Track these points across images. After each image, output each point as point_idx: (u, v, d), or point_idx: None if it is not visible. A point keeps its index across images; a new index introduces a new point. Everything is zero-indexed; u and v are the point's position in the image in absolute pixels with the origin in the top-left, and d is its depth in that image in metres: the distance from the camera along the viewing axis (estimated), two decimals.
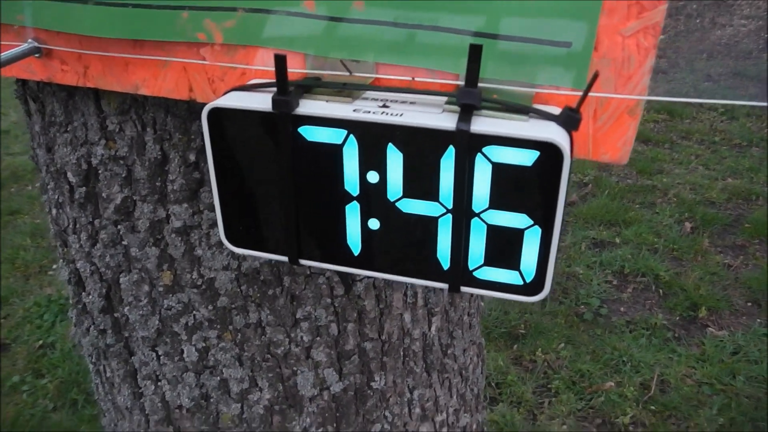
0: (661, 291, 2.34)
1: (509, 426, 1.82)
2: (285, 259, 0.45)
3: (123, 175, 0.62)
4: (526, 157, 0.35)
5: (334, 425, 0.75)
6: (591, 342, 2.12)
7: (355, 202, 0.40)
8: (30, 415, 2.20)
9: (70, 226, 0.68)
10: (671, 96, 0.42)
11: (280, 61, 0.36)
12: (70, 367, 2.34)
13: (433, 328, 0.79)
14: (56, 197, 0.69)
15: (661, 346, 2.08)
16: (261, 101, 0.40)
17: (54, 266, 3.13)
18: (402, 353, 0.76)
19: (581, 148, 0.40)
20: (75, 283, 0.73)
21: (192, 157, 0.59)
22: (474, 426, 0.95)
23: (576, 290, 2.35)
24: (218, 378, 0.70)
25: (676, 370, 1.97)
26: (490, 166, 0.35)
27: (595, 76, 0.34)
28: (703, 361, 2.00)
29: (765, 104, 0.36)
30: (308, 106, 0.39)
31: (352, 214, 0.40)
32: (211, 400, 0.72)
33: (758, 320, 2.18)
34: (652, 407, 1.86)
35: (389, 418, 0.78)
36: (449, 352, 0.83)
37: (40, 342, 2.60)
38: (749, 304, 2.27)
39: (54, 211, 0.71)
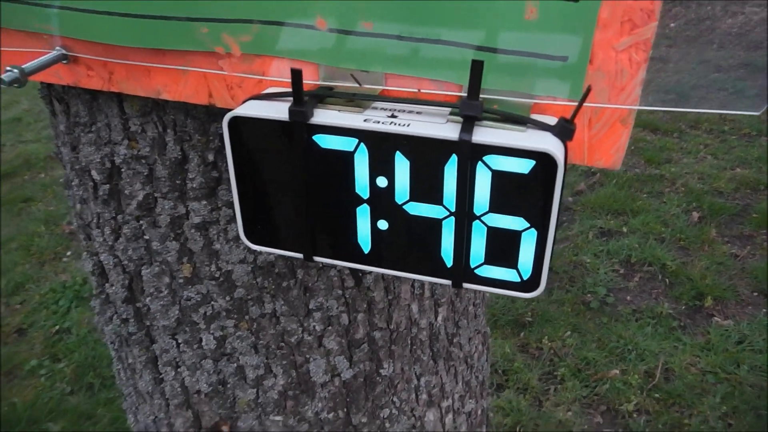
0: (667, 280, 2.36)
1: (515, 412, 1.86)
2: (300, 256, 0.48)
3: (145, 174, 0.65)
4: (523, 166, 0.38)
5: (345, 410, 0.79)
6: (597, 330, 2.15)
7: (365, 204, 0.43)
8: (48, 397, 2.26)
9: (94, 220, 0.72)
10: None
11: (296, 75, 0.39)
12: (86, 352, 2.40)
13: (439, 318, 0.82)
14: (80, 193, 0.72)
15: (666, 335, 2.11)
16: (278, 110, 0.43)
17: (68, 253, 3.18)
18: (409, 342, 0.80)
19: (577, 155, 0.43)
20: (98, 275, 0.76)
21: (210, 157, 0.62)
22: (479, 411, 0.99)
23: (583, 279, 2.38)
24: (235, 365, 0.74)
25: (681, 358, 2.00)
26: (489, 173, 0.38)
27: (588, 89, 0.37)
28: (708, 350, 2.03)
29: (756, 113, 0.39)
30: (322, 116, 0.42)
31: (363, 215, 0.44)
32: (228, 385, 0.75)
33: (764, 310, 2.20)
34: (656, 395, 1.89)
35: (397, 403, 0.82)
36: (455, 340, 0.86)
37: (57, 327, 2.65)
38: (755, 294, 2.29)
39: (78, 206, 0.74)
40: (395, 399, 0.82)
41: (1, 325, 2.72)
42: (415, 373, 0.82)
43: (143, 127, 0.63)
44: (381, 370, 0.78)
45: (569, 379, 1.96)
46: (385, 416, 0.82)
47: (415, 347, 0.81)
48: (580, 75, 0.40)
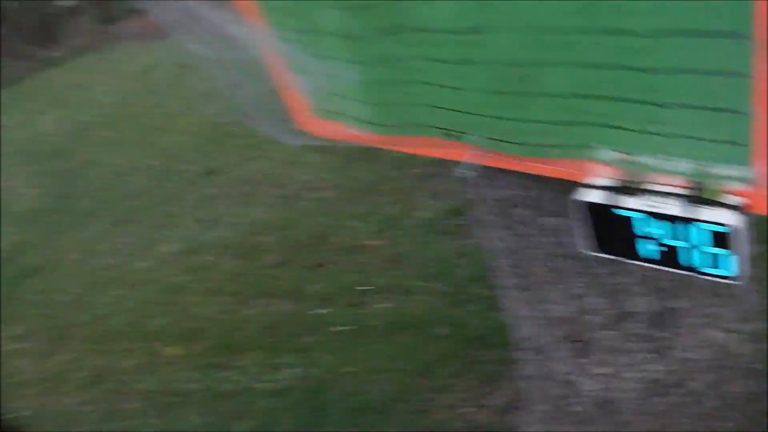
0: None
1: None
2: (622, 259, 0.97)
3: (520, 201, 1.19)
4: (722, 229, 0.81)
5: (654, 327, 1.26)
6: None
7: (645, 239, 0.90)
8: (432, 308, 3.03)
9: (489, 226, 1.30)
10: None
11: (615, 188, 0.88)
12: (459, 275, 3.12)
13: None
14: (479, 211, 1.30)
15: None
16: (602, 197, 0.92)
17: (419, 193, 3.99)
18: (694, 287, 1.23)
19: (758, 210, 0.84)
20: (487, 252, 1.35)
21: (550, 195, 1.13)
22: (759, 332, 1.36)
23: None
24: (580, 302, 1.27)
25: None
26: (706, 231, 0.82)
27: (744, 209, 0.79)
28: None
29: None
30: (622, 201, 0.89)
31: (645, 244, 0.91)
32: (575, 313, 1.29)
33: None
34: None
35: (687, 326, 1.26)
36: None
37: (425, 255, 3.44)
38: None
39: (478, 218, 1.33)
40: (685, 322, 1.26)
41: (380, 252, 3.62)
42: (697, 307, 1.25)
43: (520, 179, 1.17)
44: (674, 307, 1.23)
45: None
46: (680, 332, 1.27)
47: (699, 290, 1.23)
48: (750, 182, 0.81)
